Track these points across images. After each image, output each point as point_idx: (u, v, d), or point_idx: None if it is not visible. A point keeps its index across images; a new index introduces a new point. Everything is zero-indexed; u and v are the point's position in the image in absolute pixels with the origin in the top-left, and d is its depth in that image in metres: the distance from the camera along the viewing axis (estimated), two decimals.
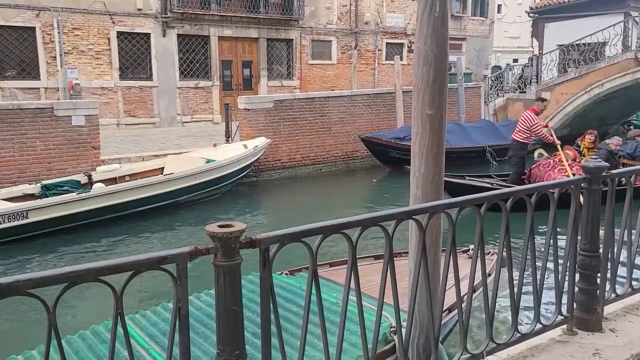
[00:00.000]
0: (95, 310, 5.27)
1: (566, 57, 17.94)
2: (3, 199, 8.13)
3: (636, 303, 3.11)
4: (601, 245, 2.84)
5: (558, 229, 2.63)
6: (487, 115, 17.42)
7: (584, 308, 2.79)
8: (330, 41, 19.13)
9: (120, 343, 2.04)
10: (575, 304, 2.78)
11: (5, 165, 9.18)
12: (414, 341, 2.58)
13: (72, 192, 8.44)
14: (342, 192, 12.08)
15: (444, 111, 2.61)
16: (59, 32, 13.94)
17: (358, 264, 4.15)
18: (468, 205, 2.29)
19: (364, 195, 12.24)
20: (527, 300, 3.05)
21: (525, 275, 2.65)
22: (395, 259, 4.23)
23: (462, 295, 2.43)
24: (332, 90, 17.56)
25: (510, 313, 2.58)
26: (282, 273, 4.20)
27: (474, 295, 3.52)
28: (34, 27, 13.78)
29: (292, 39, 18.16)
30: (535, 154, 10.70)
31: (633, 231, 3.11)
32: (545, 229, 2.63)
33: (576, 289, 2.79)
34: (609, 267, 2.93)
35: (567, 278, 2.74)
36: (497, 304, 2.66)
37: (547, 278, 2.83)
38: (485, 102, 17.62)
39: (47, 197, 8.30)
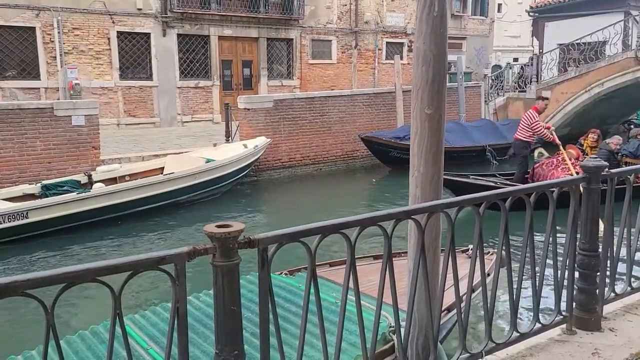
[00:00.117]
0: (95, 310, 5.27)
1: (566, 56, 17.93)
2: (3, 199, 8.13)
3: (635, 302, 3.11)
4: (600, 245, 2.84)
5: (558, 228, 2.63)
6: (487, 114, 17.41)
7: (583, 307, 2.79)
8: (331, 41, 19.12)
9: (120, 343, 2.04)
10: (574, 304, 2.78)
11: (6, 165, 9.18)
12: (413, 341, 2.58)
13: (72, 192, 8.44)
14: (342, 191, 12.08)
15: (443, 111, 2.61)
16: (59, 32, 13.94)
17: (357, 264, 4.15)
18: (467, 205, 2.29)
19: (364, 194, 12.24)
20: (526, 300, 3.06)
21: (524, 275, 2.65)
22: (394, 258, 4.24)
23: (461, 295, 2.43)
24: (332, 89, 17.56)
25: (509, 312, 2.58)
26: (281, 273, 4.20)
27: (474, 294, 3.53)
28: (34, 27, 13.78)
29: (292, 39, 18.16)
30: (536, 153, 10.70)
31: (632, 230, 3.11)
32: (545, 228, 2.63)
33: (575, 288, 2.79)
34: (608, 266, 2.93)
35: (566, 277, 2.74)
36: (496, 304, 2.67)
37: (546, 277, 2.83)
38: (485, 101, 17.62)
39: (47, 197, 8.30)
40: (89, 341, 3.04)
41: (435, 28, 2.48)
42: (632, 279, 3.13)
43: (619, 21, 16.47)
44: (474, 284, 2.88)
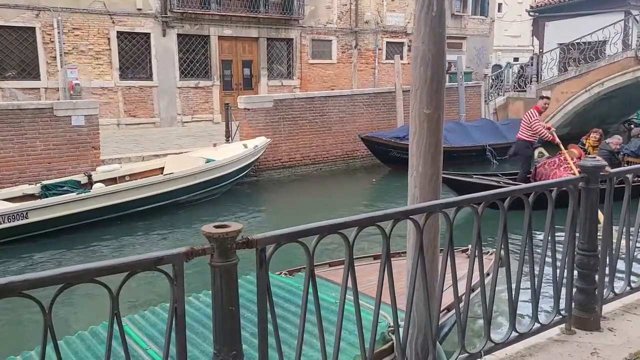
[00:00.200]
0: (95, 310, 5.28)
1: (566, 56, 17.93)
2: (3, 199, 8.14)
3: (635, 302, 3.11)
4: (599, 244, 2.84)
5: (557, 227, 2.63)
6: (488, 114, 17.41)
7: (582, 307, 2.79)
8: (331, 40, 19.12)
9: (118, 343, 2.05)
10: (573, 303, 2.78)
11: (5, 166, 9.19)
12: (412, 341, 2.58)
13: (72, 192, 8.45)
14: (342, 191, 12.08)
15: (442, 110, 2.61)
16: (58, 32, 13.95)
17: (357, 264, 4.15)
18: (465, 205, 2.29)
19: (364, 194, 12.24)
20: (525, 300, 3.05)
21: (523, 275, 2.65)
22: (394, 258, 4.24)
23: (460, 294, 2.43)
24: (333, 89, 17.56)
25: (508, 312, 2.58)
26: (281, 273, 4.20)
27: (473, 294, 3.53)
28: (34, 27, 13.79)
29: (292, 39, 18.16)
30: (536, 153, 10.70)
31: (632, 230, 3.11)
32: (545, 228, 2.63)
33: (574, 288, 2.79)
34: (607, 266, 2.93)
35: (565, 277, 2.74)
36: (496, 304, 2.67)
37: (545, 277, 2.83)
38: (485, 101, 17.61)
39: (47, 197, 8.30)
40: (88, 341, 3.04)
41: (434, 28, 2.48)
42: (632, 279, 3.13)
43: (619, 21, 16.46)
44: (473, 284, 2.88)
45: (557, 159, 9.39)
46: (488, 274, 3.54)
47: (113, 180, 9.27)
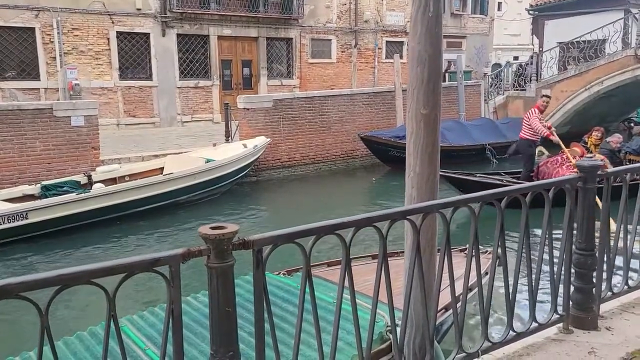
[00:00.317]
0: (95, 310, 5.28)
1: (566, 55, 17.92)
2: (3, 200, 8.15)
3: (633, 301, 3.12)
4: (597, 244, 2.84)
5: (556, 226, 2.64)
6: (487, 113, 17.41)
7: (580, 306, 2.79)
8: (330, 40, 19.12)
9: (117, 343, 2.05)
10: (571, 303, 2.79)
11: (5, 166, 9.20)
12: (410, 340, 2.59)
13: (72, 192, 8.46)
14: (342, 191, 12.08)
15: (439, 111, 2.62)
16: (58, 33, 13.95)
17: (355, 264, 4.16)
18: (462, 205, 2.30)
19: (364, 194, 12.25)
20: (523, 299, 3.06)
21: (521, 274, 2.65)
22: (393, 258, 4.25)
23: (458, 294, 2.43)
24: (332, 89, 17.56)
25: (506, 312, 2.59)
26: (279, 273, 4.21)
27: (471, 294, 3.54)
28: (34, 28, 13.79)
29: (291, 38, 18.16)
30: (536, 151, 10.70)
31: (629, 228, 3.12)
32: (542, 227, 2.64)
33: (572, 287, 2.80)
34: (605, 265, 2.93)
35: (562, 276, 2.75)
36: (493, 303, 2.67)
37: (543, 276, 2.84)
38: (485, 100, 17.61)
39: (46, 197, 8.31)
40: (87, 342, 3.05)
41: (430, 28, 2.48)
42: (629, 278, 3.14)
43: (619, 19, 16.45)
44: (471, 284, 2.89)
45: (560, 157, 9.41)
46: (486, 274, 3.55)
47: (113, 181, 9.28)
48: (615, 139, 10.17)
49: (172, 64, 15.81)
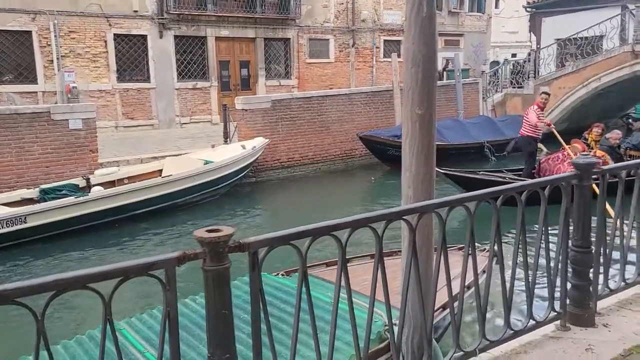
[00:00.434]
0: (94, 313, 5.29)
1: (564, 51, 17.93)
2: (1, 204, 8.15)
3: (630, 297, 3.12)
4: (593, 241, 2.85)
5: (553, 224, 2.65)
6: (486, 111, 17.41)
7: (577, 304, 2.80)
8: (328, 39, 19.12)
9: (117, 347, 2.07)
10: (567, 300, 2.80)
11: (3, 170, 9.20)
12: (408, 339, 2.60)
13: (71, 195, 8.46)
14: (341, 190, 12.09)
15: (434, 111, 2.62)
16: (55, 36, 13.95)
17: (355, 263, 4.16)
18: (457, 205, 2.30)
19: (363, 193, 12.25)
20: (520, 297, 3.07)
21: (518, 272, 2.66)
22: (392, 257, 4.25)
23: (455, 293, 2.44)
24: (331, 88, 17.56)
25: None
26: (278, 274, 4.22)
27: (469, 292, 3.55)
28: (30, 31, 13.79)
29: (289, 38, 18.16)
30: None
31: (625, 225, 3.13)
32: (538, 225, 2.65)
33: (569, 284, 2.81)
34: (601, 262, 2.94)
35: (559, 274, 2.75)
36: (491, 301, 2.68)
37: (540, 274, 2.84)
38: (483, 97, 17.62)
39: (45, 201, 8.32)
40: (85, 346, 3.05)
41: (424, 28, 2.49)
42: (626, 274, 3.15)
43: (616, 15, 16.46)
44: (468, 283, 2.89)
45: (561, 154, 9.45)
46: (484, 272, 3.56)
47: (111, 184, 9.28)
48: (614, 135, 10.19)
49: (169, 65, 15.81)
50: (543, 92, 10.38)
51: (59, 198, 8.37)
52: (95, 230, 8.25)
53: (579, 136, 10.50)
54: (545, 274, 2.83)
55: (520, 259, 2.63)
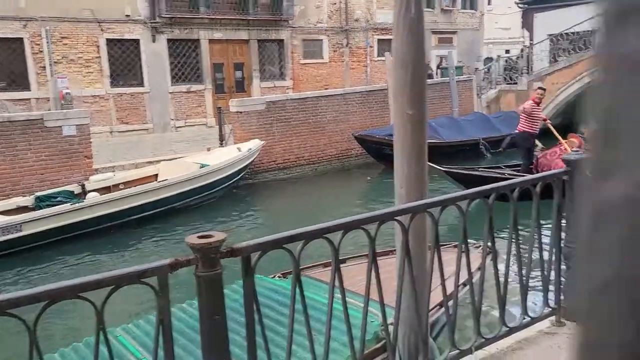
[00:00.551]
0: (92, 320, 5.27)
1: (556, 47, 17.98)
2: None
3: None
4: None
5: (548, 220, 2.66)
6: (480, 107, 17.45)
7: (571, 299, 2.81)
8: (321, 40, 19.13)
9: (113, 354, 2.07)
10: (562, 295, 2.81)
11: None
12: (404, 338, 2.61)
13: (66, 202, 8.44)
14: (338, 191, 12.10)
15: (425, 111, 2.63)
16: (47, 42, 13.91)
17: (351, 263, 4.16)
18: (450, 204, 2.31)
19: (359, 193, 12.27)
20: (515, 294, 3.07)
21: (512, 269, 2.67)
22: (388, 256, 4.24)
23: (451, 291, 2.45)
24: (326, 88, 17.56)
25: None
26: (274, 276, 4.22)
27: (464, 290, 3.56)
28: (22, 38, 13.75)
29: (282, 39, 18.16)
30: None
31: None
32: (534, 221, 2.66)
33: (563, 280, 2.82)
34: None
35: (553, 270, 2.77)
36: (486, 299, 2.69)
37: (534, 271, 2.86)
38: (477, 94, 17.66)
39: (40, 208, 8.29)
40: (82, 353, 3.05)
41: (412, 29, 2.50)
42: None
43: None
44: (464, 281, 2.90)
45: (558, 149, 9.48)
46: (479, 269, 3.57)
47: (107, 189, 9.27)
48: None
49: (163, 69, 15.78)
50: (539, 88, 10.41)
51: (54, 205, 8.35)
52: (91, 237, 8.22)
53: (575, 131, 10.54)
54: (539, 271, 2.84)
55: (514, 255, 2.65)
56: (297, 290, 1.93)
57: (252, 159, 11.17)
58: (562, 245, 2.78)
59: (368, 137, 13.27)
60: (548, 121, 9.76)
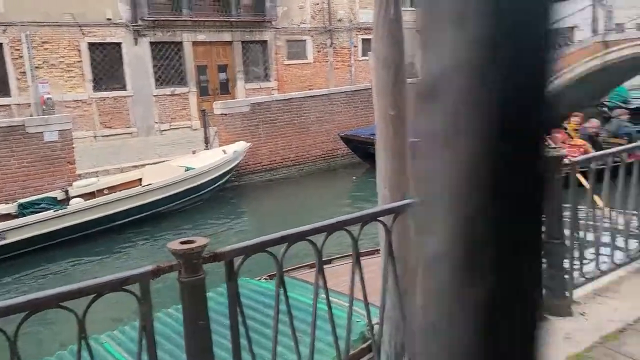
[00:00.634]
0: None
1: None
2: None
3: (605, 285, 3.19)
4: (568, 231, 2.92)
5: None
6: None
7: (554, 294, 2.86)
8: (305, 40, 19.13)
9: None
10: (544, 291, 2.85)
11: None
12: (392, 338, 2.63)
13: (50, 209, 8.34)
14: (323, 191, 12.12)
15: (406, 111, 2.66)
16: (27, 47, 13.72)
17: (337, 264, 4.16)
18: None
19: (346, 192, 12.30)
20: None
21: None
22: (373, 255, 4.25)
23: None
24: (310, 89, 17.56)
25: None
26: (260, 278, 4.22)
27: None
28: (1, 43, 13.55)
29: (266, 40, 18.13)
30: None
31: (598, 214, 3.20)
32: None
33: (544, 275, 2.86)
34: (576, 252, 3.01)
35: None
36: None
37: None
38: None
39: (24, 216, 8.18)
40: None
41: (392, 30, 2.52)
42: (600, 262, 3.22)
43: (587, 6, 16.76)
44: None
45: None
46: None
47: (91, 195, 9.17)
48: (592, 124, 10.41)
49: (146, 72, 15.66)
50: None
51: (38, 212, 8.25)
52: (75, 243, 8.13)
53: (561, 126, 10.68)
54: None
55: None
56: (282, 292, 1.95)
57: (237, 161, 11.14)
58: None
59: (354, 136, 13.32)
60: None
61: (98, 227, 8.44)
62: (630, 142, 9.22)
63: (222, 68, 17.39)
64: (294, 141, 13.35)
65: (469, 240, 0.21)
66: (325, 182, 12.72)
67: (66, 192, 9.05)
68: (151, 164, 10.77)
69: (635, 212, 3.40)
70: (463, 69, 0.21)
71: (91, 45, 14.76)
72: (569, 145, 9.52)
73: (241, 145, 11.27)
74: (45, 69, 14.10)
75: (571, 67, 15.97)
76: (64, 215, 8.17)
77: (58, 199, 8.91)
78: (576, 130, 10.35)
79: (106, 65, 15.10)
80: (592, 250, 3.20)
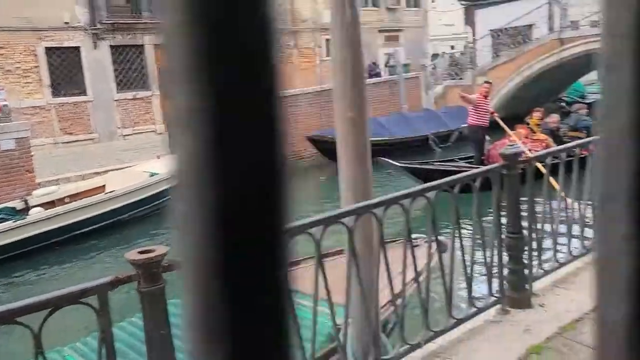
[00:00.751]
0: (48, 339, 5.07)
1: (497, 42, 18.65)
2: None
3: (562, 277, 3.31)
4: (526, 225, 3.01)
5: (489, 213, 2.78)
6: (429, 103, 17.88)
7: (514, 287, 2.94)
8: None
9: None
10: (505, 284, 2.93)
11: None
12: (359, 337, 2.66)
13: (8, 219, 8.06)
14: (292, 192, 12.09)
15: (365, 112, 2.69)
16: None
17: (305, 265, 4.16)
18: (393, 204, 2.37)
19: (314, 193, 12.33)
20: (463, 286, 3.18)
21: (458, 262, 2.76)
22: (339, 256, 4.27)
23: (400, 288, 2.52)
24: None
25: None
26: None
27: (415, 286, 3.65)
28: None
29: None
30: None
31: (555, 209, 3.31)
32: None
33: (506, 270, 2.94)
34: (534, 245, 3.10)
35: (495, 260, 2.89)
36: (438, 293, 2.78)
37: (480, 262, 2.97)
38: (425, 91, 18.08)
39: None
40: None
41: (349, 32, 2.54)
42: (558, 254, 3.33)
43: (544, 4, 17.27)
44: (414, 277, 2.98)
45: (507, 140, 9.81)
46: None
47: (52, 204, 8.89)
48: (552, 119, 10.74)
49: (106, 76, 15.30)
50: (485, 82, 10.76)
51: None
52: (36, 255, 7.87)
53: (520, 122, 10.97)
54: (483, 262, 2.95)
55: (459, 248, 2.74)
56: None
57: None
58: (502, 236, 2.91)
59: (320, 137, 13.37)
60: (496, 114, 10.11)
61: (59, 237, 8.20)
62: (588, 135, 9.58)
63: None
64: None
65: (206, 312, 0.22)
66: (293, 184, 12.70)
67: (25, 201, 8.76)
68: (114, 170, 10.53)
69: (589, 202, 3.52)
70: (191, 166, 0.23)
71: (48, 50, 14.33)
72: (531, 139, 9.82)
73: None
74: (1, 75, 13.62)
75: (529, 64, 16.44)
76: (24, 225, 7.90)
77: (17, 208, 8.61)
78: (538, 125, 10.65)
79: (65, 70, 14.68)
80: (550, 241, 3.30)
